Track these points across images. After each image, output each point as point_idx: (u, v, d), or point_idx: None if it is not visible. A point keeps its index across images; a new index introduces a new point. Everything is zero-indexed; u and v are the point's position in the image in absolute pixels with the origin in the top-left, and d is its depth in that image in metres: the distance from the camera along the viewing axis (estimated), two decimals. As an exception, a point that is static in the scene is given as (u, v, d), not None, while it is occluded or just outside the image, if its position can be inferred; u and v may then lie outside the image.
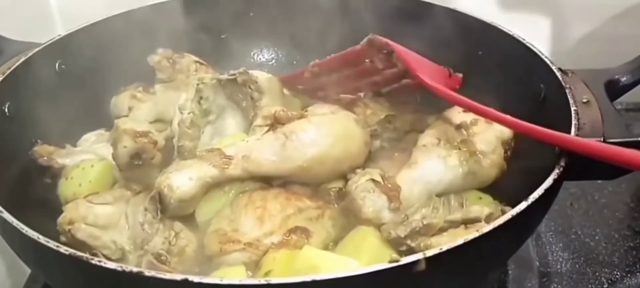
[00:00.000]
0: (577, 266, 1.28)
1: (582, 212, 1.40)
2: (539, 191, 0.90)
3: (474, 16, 1.38)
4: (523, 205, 0.88)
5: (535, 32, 1.40)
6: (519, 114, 1.08)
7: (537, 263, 1.28)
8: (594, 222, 1.37)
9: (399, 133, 1.28)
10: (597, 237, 1.34)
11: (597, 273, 1.26)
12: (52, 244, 0.84)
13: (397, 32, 1.27)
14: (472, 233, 0.83)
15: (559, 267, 1.28)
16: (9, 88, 1.22)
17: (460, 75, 1.29)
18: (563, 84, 1.12)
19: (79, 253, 0.81)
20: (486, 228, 0.84)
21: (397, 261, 0.78)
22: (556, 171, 0.94)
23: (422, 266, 0.79)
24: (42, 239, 0.85)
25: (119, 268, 0.78)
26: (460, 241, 0.81)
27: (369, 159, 1.22)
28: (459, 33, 1.37)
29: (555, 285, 1.24)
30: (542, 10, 1.80)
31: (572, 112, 1.05)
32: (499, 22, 1.36)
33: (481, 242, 0.83)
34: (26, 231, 0.87)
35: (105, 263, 0.79)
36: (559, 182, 0.95)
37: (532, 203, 0.88)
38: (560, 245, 1.32)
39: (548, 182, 0.92)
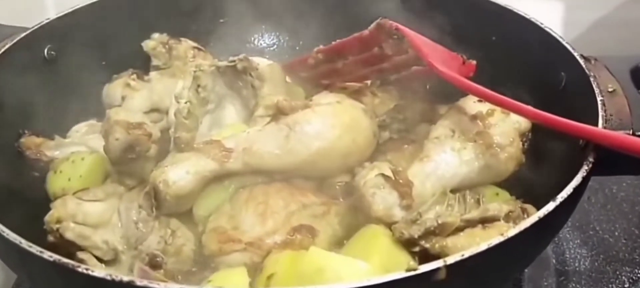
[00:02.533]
0: (596, 264, 1.22)
1: (599, 206, 1.34)
2: (568, 190, 0.83)
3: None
4: (551, 206, 0.81)
5: (547, 16, 1.33)
6: (536, 103, 1.02)
7: (554, 261, 1.22)
8: (612, 217, 1.32)
9: (409, 123, 1.22)
10: (616, 233, 1.28)
11: (617, 272, 1.20)
12: (35, 249, 0.77)
13: (406, 16, 1.20)
14: (496, 238, 0.76)
15: (577, 265, 1.22)
16: (-6, 75, 1.16)
17: (474, 62, 1.22)
18: (587, 72, 1.05)
19: (65, 260, 0.75)
20: (512, 231, 0.77)
21: (415, 269, 0.71)
22: (585, 167, 0.88)
23: (443, 275, 0.73)
24: (25, 243, 0.78)
25: (108, 277, 0.72)
26: (483, 246, 0.74)
27: (377, 151, 1.16)
28: (472, 17, 1.31)
29: (574, 285, 1.18)
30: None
31: (599, 102, 0.99)
32: (510, 4, 1.29)
33: (506, 246, 0.77)
34: (7, 234, 0.80)
35: (92, 271, 0.73)
36: (587, 179, 0.88)
37: (561, 203, 0.81)
38: (578, 241, 1.27)
39: (577, 179, 0.85)
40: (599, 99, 0.99)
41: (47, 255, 0.76)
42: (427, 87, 1.29)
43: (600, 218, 1.31)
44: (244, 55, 1.20)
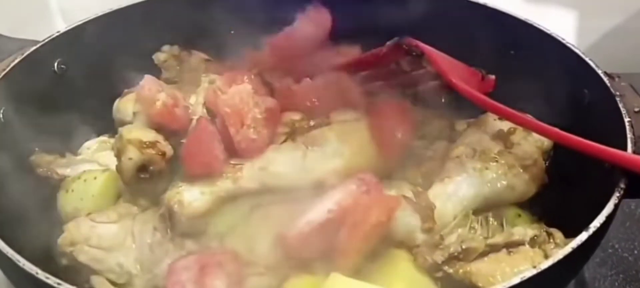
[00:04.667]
0: (616, 284, 1.20)
1: (618, 224, 1.31)
2: (600, 218, 0.81)
3: (506, 12, 1.28)
4: (584, 236, 0.78)
5: (561, 24, 1.30)
6: (558, 121, 1.00)
7: (573, 282, 1.18)
8: (631, 235, 1.29)
9: (427, 140, 1.18)
10: (636, 251, 1.26)
11: (637, 292, 1.17)
12: (52, 281, 0.75)
13: (424, 32, 1.17)
14: (528, 270, 0.73)
15: (596, 285, 1.20)
16: (4, 91, 1.13)
17: (493, 77, 1.19)
18: (612, 91, 1.03)
19: (84, 293, 0.72)
20: (545, 263, 0.74)
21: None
22: (616, 194, 0.85)
23: (474, 309, 0.70)
24: (41, 275, 0.76)
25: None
26: (516, 280, 0.72)
27: (395, 169, 1.12)
28: (490, 31, 1.27)
29: (594, 305, 1.15)
30: (566, 1, 1.71)
31: (626, 124, 0.96)
32: (518, 13, 1.27)
33: (538, 278, 0.74)
34: (23, 264, 0.78)
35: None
36: (618, 205, 0.85)
37: (594, 232, 0.79)
38: (597, 260, 1.24)
39: (609, 207, 0.83)
40: (626, 120, 0.97)
41: (66, 287, 0.74)
42: (442, 100, 1.27)
43: (619, 236, 1.28)
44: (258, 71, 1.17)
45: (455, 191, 1.02)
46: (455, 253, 0.92)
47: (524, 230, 0.94)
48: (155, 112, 1.04)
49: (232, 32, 1.45)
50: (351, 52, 1.24)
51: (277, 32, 1.31)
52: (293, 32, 1.21)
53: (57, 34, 1.25)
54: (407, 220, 0.97)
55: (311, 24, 1.21)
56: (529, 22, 1.24)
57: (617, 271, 1.22)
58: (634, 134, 0.95)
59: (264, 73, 1.20)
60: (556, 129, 0.96)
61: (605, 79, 1.06)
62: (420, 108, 1.21)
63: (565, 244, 0.82)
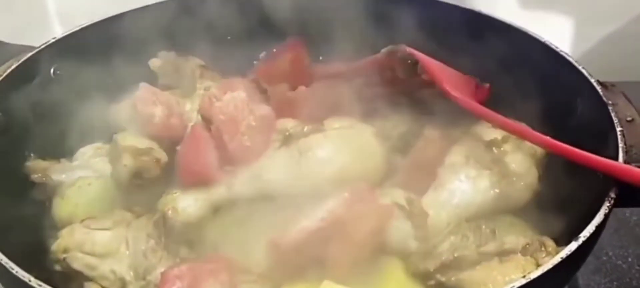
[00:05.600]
0: (610, 292, 1.20)
1: (612, 231, 1.32)
2: (590, 228, 0.81)
3: (500, 19, 1.28)
4: (574, 246, 0.79)
5: (557, 31, 1.30)
6: (551, 129, 1.01)
7: (567, 289, 1.20)
8: (625, 242, 1.30)
9: (421, 148, 1.18)
10: (629, 259, 1.27)
11: (631, 300, 1.18)
12: (45, 288, 0.75)
13: (418, 40, 1.18)
14: (518, 280, 0.74)
15: (590, 292, 1.20)
16: (0, 96, 1.13)
17: (487, 85, 1.20)
18: (604, 99, 1.03)
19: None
20: (535, 273, 0.75)
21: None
22: (607, 203, 0.86)
23: (463, 319, 0.70)
24: (34, 282, 0.76)
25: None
26: (506, 289, 0.72)
27: (389, 176, 1.12)
28: (484, 38, 1.27)
29: (588, 313, 1.16)
30: (562, 8, 1.71)
31: (618, 133, 0.96)
32: (515, 21, 1.27)
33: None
34: (17, 271, 0.78)
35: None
36: (609, 215, 0.86)
37: (583, 242, 0.79)
38: (591, 267, 1.25)
39: (599, 216, 0.83)
40: (618, 129, 0.97)
41: (58, 295, 0.74)
42: (436, 108, 1.27)
43: (613, 244, 1.29)
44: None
45: (449, 199, 1.02)
46: (448, 262, 0.92)
47: (516, 238, 0.94)
48: (152, 127, 1.04)
49: (229, 38, 1.46)
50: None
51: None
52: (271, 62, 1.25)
53: (53, 40, 1.25)
54: (400, 228, 0.97)
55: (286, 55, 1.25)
56: (522, 29, 1.24)
57: (611, 279, 1.22)
58: (625, 143, 0.95)
59: (260, 80, 1.21)
60: (549, 138, 0.96)
61: (598, 88, 1.06)
62: (415, 115, 1.22)
63: (557, 253, 0.83)
